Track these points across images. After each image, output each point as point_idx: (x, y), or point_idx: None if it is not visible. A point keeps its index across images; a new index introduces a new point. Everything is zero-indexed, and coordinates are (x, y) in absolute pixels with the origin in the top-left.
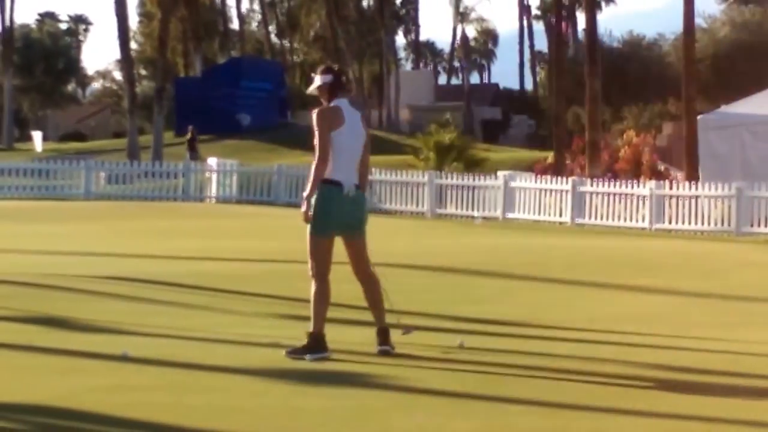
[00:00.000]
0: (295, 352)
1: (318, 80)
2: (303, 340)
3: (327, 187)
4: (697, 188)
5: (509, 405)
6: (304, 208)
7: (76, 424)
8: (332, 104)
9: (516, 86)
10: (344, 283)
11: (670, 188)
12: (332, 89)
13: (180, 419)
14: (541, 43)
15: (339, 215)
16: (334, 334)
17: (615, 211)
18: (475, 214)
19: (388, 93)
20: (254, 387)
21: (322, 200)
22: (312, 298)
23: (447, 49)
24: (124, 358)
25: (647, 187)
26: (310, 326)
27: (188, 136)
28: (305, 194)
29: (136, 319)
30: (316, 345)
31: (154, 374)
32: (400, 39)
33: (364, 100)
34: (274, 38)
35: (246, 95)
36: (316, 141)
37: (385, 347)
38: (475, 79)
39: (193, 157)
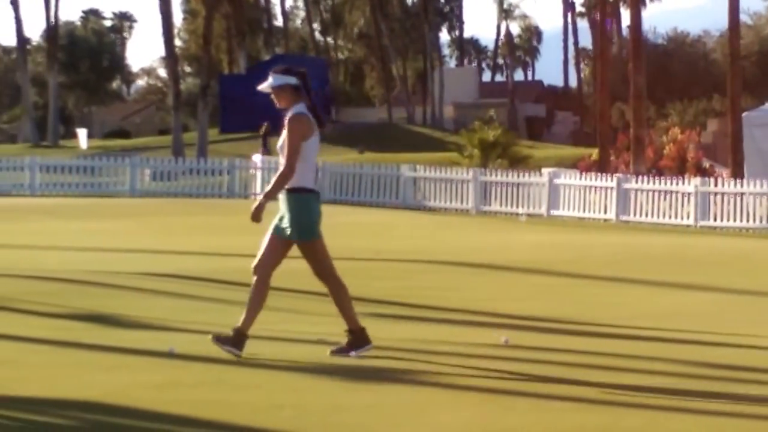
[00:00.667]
0: (341, 351)
1: (279, 79)
2: (345, 339)
3: (307, 195)
4: (742, 185)
5: (555, 402)
6: (256, 206)
7: (122, 420)
8: (303, 112)
9: (560, 83)
10: (387, 281)
11: (715, 185)
12: (294, 93)
13: (225, 416)
14: (586, 40)
15: (317, 219)
16: (375, 331)
17: (660, 208)
18: (520, 211)
19: (432, 90)
20: (299, 384)
21: (308, 208)
22: (335, 299)
23: (491, 46)
24: (171, 355)
25: (692, 184)
26: (344, 325)
27: (262, 131)
28: (265, 196)
29: (181, 315)
30: (359, 340)
31: (200, 371)
32: (445, 36)
33: (408, 97)
34: (318, 35)
35: None
36: (280, 144)
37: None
38: (519, 76)
39: (265, 153)
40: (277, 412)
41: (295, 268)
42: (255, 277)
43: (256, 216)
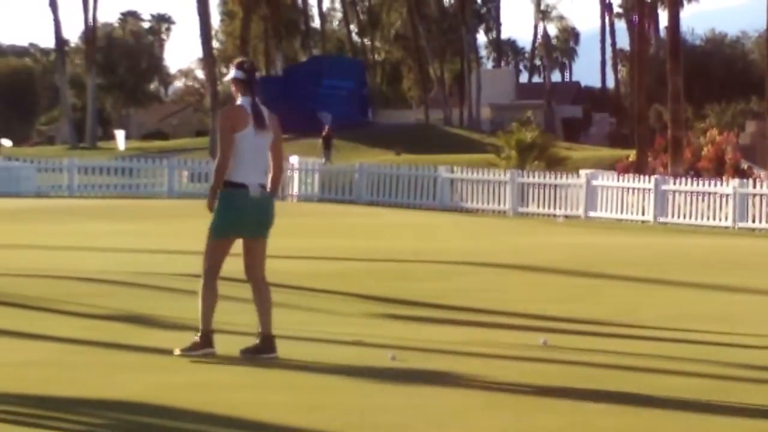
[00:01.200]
0: (186, 350)
1: (231, 72)
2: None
3: (230, 190)
4: None
5: (594, 404)
6: (208, 198)
7: (159, 421)
8: (237, 104)
9: (597, 84)
10: (425, 282)
11: (754, 187)
12: (241, 86)
13: (263, 416)
14: (623, 41)
15: (240, 218)
16: (413, 333)
17: (698, 210)
18: (557, 212)
19: (469, 91)
20: (337, 384)
21: (224, 203)
22: (200, 297)
23: (528, 47)
24: (208, 356)
25: (730, 186)
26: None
27: (324, 134)
28: (211, 187)
29: (219, 317)
30: (203, 343)
31: (237, 372)
32: (482, 37)
33: (445, 98)
34: (355, 37)
35: (327, 94)
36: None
37: (263, 354)
38: (556, 77)
39: (326, 156)
40: (315, 412)
41: (330, 270)
42: (254, 285)
43: (209, 205)
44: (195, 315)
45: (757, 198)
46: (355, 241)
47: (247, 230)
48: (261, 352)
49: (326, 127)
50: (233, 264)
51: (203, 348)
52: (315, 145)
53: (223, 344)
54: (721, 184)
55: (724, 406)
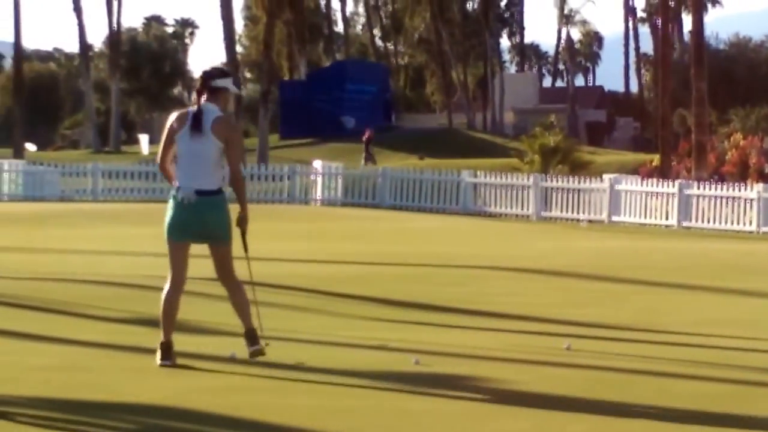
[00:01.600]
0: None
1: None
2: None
3: (171, 192)
4: None
5: (617, 408)
6: None
7: (183, 424)
8: (182, 110)
9: (621, 89)
10: (448, 287)
11: None
12: (197, 92)
13: (286, 420)
14: (647, 46)
15: (174, 221)
16: (437, 337)
17: (722, 214)
18: (581, 217)
19: (492, 96)
20: (360, 388)
21: (168, 207)
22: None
23: (552, 51)
24: (232, 360)
25: (754, 190)
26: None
27: (365, 137)
28: None
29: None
30: (165, 353)
31: (262, 375)
32: (505, 41)
33: (468, 103)
34: (378, 41)
35: (350, 98)
36: None
37: (256, 347)
38: (579, 81)
39: (367, 159)
40: (339, 416)
41: (354, 274)
42: (227, 287)
43: None
44: (218, 318)
45: None
46: (379, 245)
47: (189, 235)
48: (252, 345)
49: (368, 131)
50: (253, 267)
51: (164, 360)
52: (338, 150)
53: (244, 348)
54: (745, 189)
55: (748, 411)
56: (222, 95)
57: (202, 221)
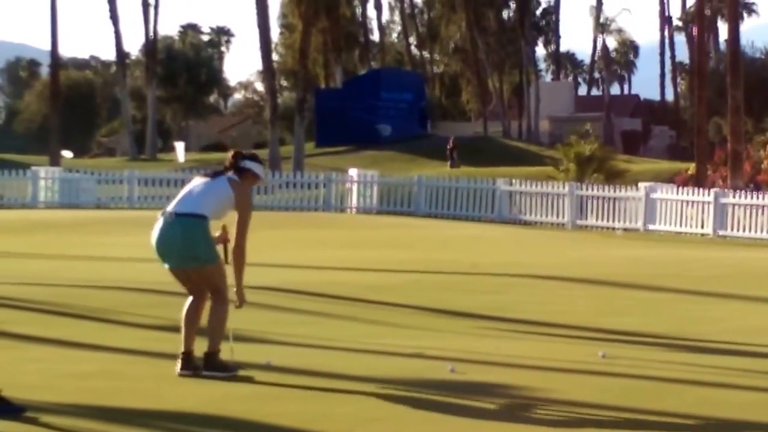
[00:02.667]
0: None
1: None
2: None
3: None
4: None
5: (653, 417)
6: None
7: (220, 431)
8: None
9: (656, 97)
10: (484, 294)
11: None
12: (225, 167)
13: (324, 428)
14: (682, 54)
15: (156, 244)
16: (471, 345)
17: (758, 223)
18: (616, 225)
19: (528, 104)
20: (396, 396)
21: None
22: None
23: (587, 60)
24: (268, 367)
25: None
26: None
27: (450, 146)
28: None
29: (279, 328)
30: (185, 363)
31: (299, 383)
32: (540, 50)
33: (504, 111)
34: (414, 49)
35: (386, 106)
36: None
37: (207, 372)
38: (615, 90)
39: (452, 165)
40: (376, 424)
41: (390, 282)
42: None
43: None
44: (251, 326)
45: None
46: (414, 253)
47: (171, 259)
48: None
49: (451, 140)
50: (290, 275)
51: (183, 369)
52: (374, 158)
53: (281, 356)
54: None
55: None
56: (248, 176)
57: (172, 243)
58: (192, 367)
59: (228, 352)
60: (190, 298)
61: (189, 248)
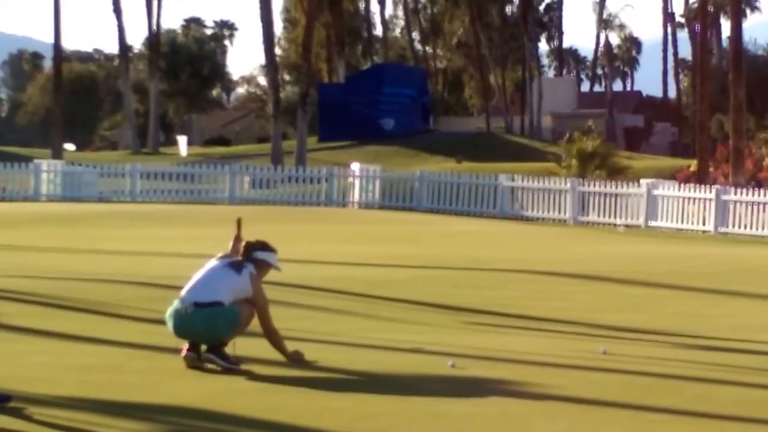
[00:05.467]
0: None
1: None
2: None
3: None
4: None
5: (653, 413)
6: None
7: (221, 426)
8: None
9: (659, 94)
10: (485, 290)
11: None
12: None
13: (324, 423)
14: (685, 51)
15: (174, 330)
16: (473, 340)
17: (759, 220)
18: (618, 221)
19: (530, 100)
20: (397, 392)
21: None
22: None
23: (590, 56)
24: (270, 362)
25: None
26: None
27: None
28: None
29: (281, 323)
30: (191, 344)
31: (299, 378)
32: (543, 46)
33: (506, 106)
34: (417, 44)
35: (389, 101)
36: None
37: (209, 355)
38: (617, 86)
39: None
40: (375, 419)
41: (391, 277)
42: None
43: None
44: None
45: None
46: (416, 248)
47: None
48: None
49: (568, 134)
50: (291, 269)
51: (188, 351)
52: (376, 152)
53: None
54: None
55: None
56: (263, 266)
57: (189, 331)
58: (198, 351)
59: (230, 346)
60: None
61: (211, 334)
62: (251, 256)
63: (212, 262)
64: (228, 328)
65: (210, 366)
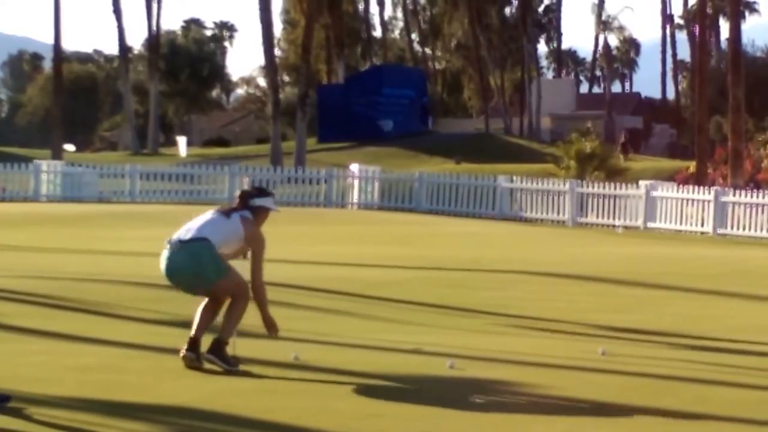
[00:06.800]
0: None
1: None
2: (443, 349)
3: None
4: None
5: (652, 415)
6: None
7: (221, 426)
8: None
9: (657, 95)
10: (484, 291)
11: None
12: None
13: (323, 424)
14: (684, 52)
15: (165, 272)
16: (472, 342)
17: (758, 222)
18: (617, 223)
19: (529, 101)
20: (396, 392)
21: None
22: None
23: (589, 57)
24: (268, 363)
25: None
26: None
27: (623, 139)
28: None
29: (281, 323)
30: (189, 345)
31: (299, 378)
32: (542, 47)
33: (505, 108)
34: (416, 46)
35: (388, 102)
36: None
37: (209, 356)
38: (616, 87)
39: (626, 159)
40: (374, 420)
41: (390, 278)
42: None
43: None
44: (254, 321)
45: None
46: (415, 249)
47: (180, 287)
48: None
49: (624, 134)
50: (290, 270)
51: (187, 351)
52: (376, 153)
53: (281, 351)
54: None
55: None
56: (262, 212)
57: (184, 267)
58: (197, 352)
59: (231, 345)
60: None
61: (197, 272)
62: (248, 204)
63: (206, 213)
64: (215, 270)
65: (209, 366)
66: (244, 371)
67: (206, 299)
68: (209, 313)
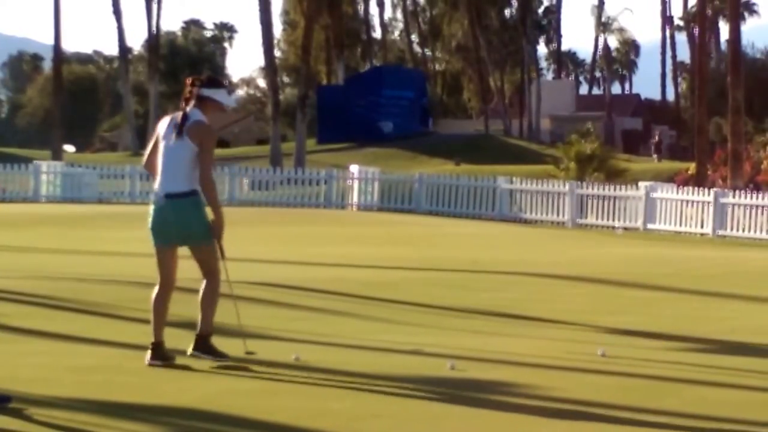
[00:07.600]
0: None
1: None
2: (440, 349)
3: (151, 196)
4: None
5: (652, 415)
6: None
7: (221, 427)
8: (176, 113)
9: (657, 97)
10: (483, 292)
11: None
12: (185, 99)
13: (322, 424)
14: (683, 54)
15: (153, 225)
16: (471, 342)
17: (757, 223)
18: (616, 224)
19: (529, 102)
20: (395, 393)
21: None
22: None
23: (589, 59)
24: (268, 363)
25: None
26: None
27: (655, 140)
28: None
29: (278, 324)
30: (154, 353)
31: (299, 379)
32: (542, 49)
33: (505, 109)
34: (416, 47)
35: (388, 103)
36: None
37: (195, 353)
38: (616, 89)
39: (659, 159)
40: (374, 420)
41: (390, 278)
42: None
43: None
44: (254, 321)
45: None
46: (414, 250)
47: (168, 237)
48: (194, 350)
49: (657, 134)
50: (290, 271)
51: (153, 359)
52: (375, 155)
53: (281, 351)
54: None
55: None
56: (209, 104)
57: (173, 223)
58: (162, 356)
59: (240, 346)
60: (157, 288)
61: (184, 227)
62: (197, 94)
63: (165, 137)
64: (201, 228)
65: (208, 366)
66: (245, 371)
67: (155, 295)
68: (162, 305)
